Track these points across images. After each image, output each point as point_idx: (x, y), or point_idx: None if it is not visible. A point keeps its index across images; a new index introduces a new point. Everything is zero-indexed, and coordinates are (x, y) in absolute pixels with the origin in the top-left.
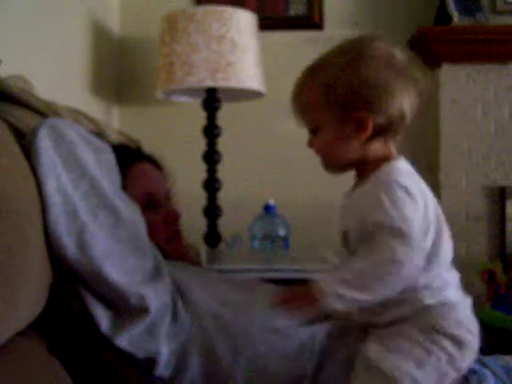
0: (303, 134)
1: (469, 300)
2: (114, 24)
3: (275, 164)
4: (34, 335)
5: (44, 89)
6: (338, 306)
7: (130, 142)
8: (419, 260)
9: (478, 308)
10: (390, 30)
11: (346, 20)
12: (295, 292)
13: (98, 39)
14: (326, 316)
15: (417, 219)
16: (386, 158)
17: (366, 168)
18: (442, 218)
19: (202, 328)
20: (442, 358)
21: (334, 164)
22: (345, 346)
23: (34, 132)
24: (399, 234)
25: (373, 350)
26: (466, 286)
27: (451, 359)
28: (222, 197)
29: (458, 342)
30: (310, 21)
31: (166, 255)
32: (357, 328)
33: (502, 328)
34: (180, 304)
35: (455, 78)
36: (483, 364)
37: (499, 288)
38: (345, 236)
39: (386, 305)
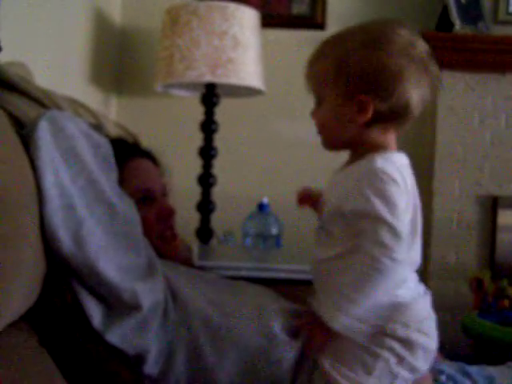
0: (300, 133)
1: (427, 298)
2: (116, 14)
3: (271, 162)
4: (25, 327)
5: (43, 77)
6: (346, 324)
7: (128, 136)
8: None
9: (465, 315)
10: None
11: (348, 22)
12: (308, 330)
13: (99, 29)
14: None
15: (402, 210)
16: (382, 147)
17: (360, 151)
18: (419, 223)
19: (189, 328)
20: (390, 360)
21: (328, 140)
22: (309, 355)
23: (34, 124)
24: (387, 224)
25: (326, 362)
26: (455, 294)
27: (400, 360)
28: (217, 193)
29: (407, 343)
30: (313, 20)
31: (159, 252)
32: None
33: (487, 336)
34: (171, 303)
35: (454, 86)
36: (466, 374)
37: (487, 296)
38: (324, 203)
39: None
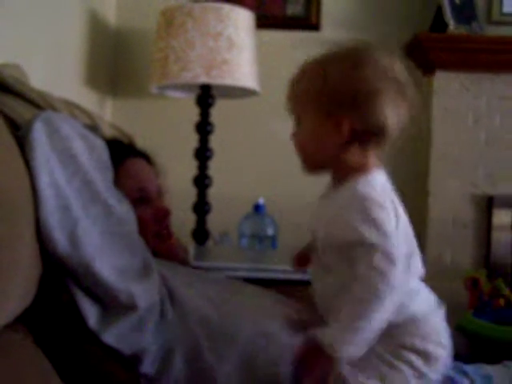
0: None
1: (441, 310)
2: (111, 15)
3: (266, 163)
4: (20, 328)
5: (38, 78)
6: (354, 352)
7: (123, 137)
8: (402, 273)
9: (460, 315)
10: (387, 34)
11: (342, 23)
12: (309, 360)
13: (94, 30)
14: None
15: (393, 233)
16: (363, 168)
17: (341, 173)
18: (412, 231)
19: (187, 328)
20: (407, 373)
21: (307, 161)
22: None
23: (29, 125)
24: (380, 250)
25: (345, 367)
26: (450, 293)
27: (418, 373)
28: (212, 194)
29: (426, 356)
30: (307, 21)
31: (155, 252)
32: None
33: (483, 335)
34: (167, 303)
35: (448, 86)
36: (463, 373)
37: (482, 295)
38: (313, 234)
39: None
